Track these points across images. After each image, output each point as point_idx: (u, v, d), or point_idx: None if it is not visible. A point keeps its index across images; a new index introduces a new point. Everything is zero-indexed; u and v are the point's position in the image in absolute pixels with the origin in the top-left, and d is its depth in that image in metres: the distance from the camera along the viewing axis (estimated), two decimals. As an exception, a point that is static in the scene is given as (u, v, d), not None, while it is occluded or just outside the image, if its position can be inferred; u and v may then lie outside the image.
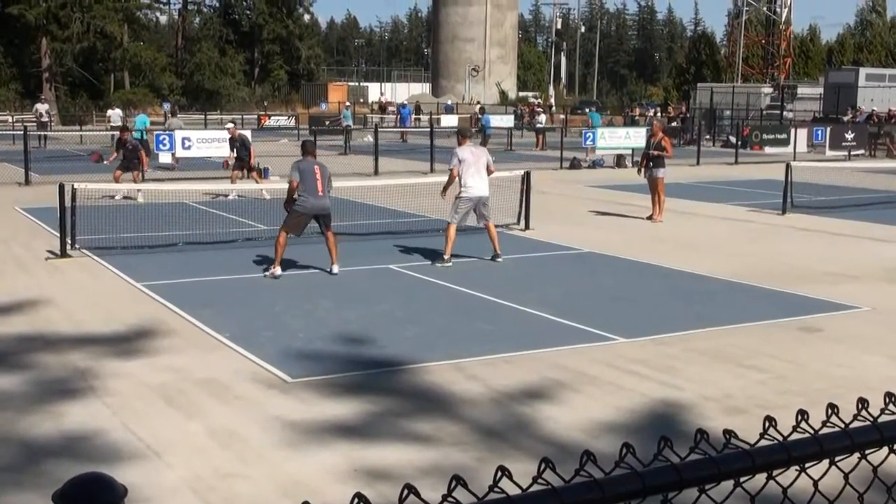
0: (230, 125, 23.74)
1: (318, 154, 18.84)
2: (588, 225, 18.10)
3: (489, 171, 13.82)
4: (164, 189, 20.16)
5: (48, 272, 13.03)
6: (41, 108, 42.90)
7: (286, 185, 13.08)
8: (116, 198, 20.65)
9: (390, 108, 61.22)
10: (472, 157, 13.64)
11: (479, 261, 13.93)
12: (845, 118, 43.22)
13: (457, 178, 13.63)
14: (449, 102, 64.16)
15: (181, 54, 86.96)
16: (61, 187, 13.98)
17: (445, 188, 14.09)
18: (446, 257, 13.56)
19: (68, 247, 13.97)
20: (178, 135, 26.86)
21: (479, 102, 61.73)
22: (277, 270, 12.54)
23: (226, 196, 21.35)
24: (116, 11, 68.67)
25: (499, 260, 13.80)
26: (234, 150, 22.07)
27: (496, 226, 14.41)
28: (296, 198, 12.51)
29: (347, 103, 54.89)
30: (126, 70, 74.84)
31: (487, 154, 14.09)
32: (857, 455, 1.72)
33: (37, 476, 6.04)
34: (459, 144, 13.95)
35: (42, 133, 39.15)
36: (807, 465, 1.66)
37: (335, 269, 12.74)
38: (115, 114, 41.41)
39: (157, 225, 17.01)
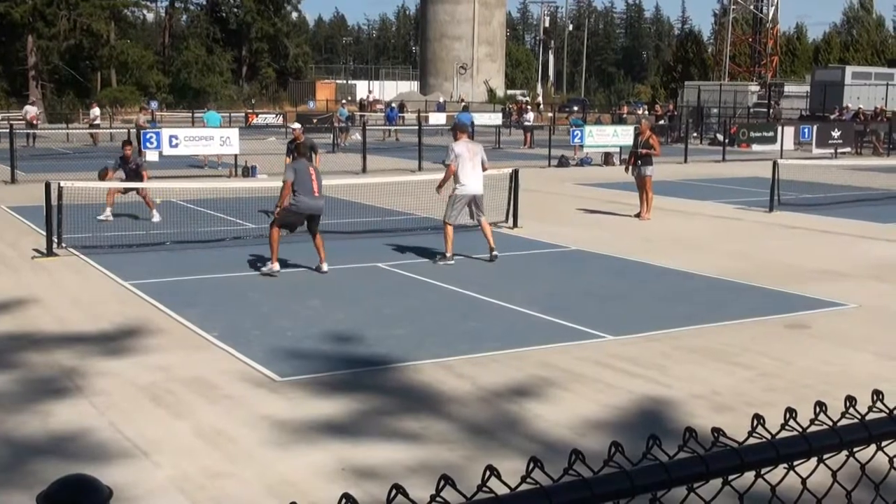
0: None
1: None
2: (576, 223, 18.12)
3: (483, 168, 13.77)
4: (154, 187, 20.07)
5: (34, 271, 12.98)
6: (31, 110, 42.28)
7: (257, 184, 13.01)
8: (102, 217, 17.24)
9: (378, 106, 61.17)
10: (468, 153, 13.50)
11: (468, 259, 13.91)
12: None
13: (453, 175, 13.49)
14: (441, 100, 64.05)
15: (168, 52, 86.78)
16: (47, 186, 13.92)
17: (441, 184, 13.78)
18: (448, 255, 13.46)
19: (55, 246, 13.91)
20: (166, 133, 26.82)
21: (462, 100, 61.72)
22: (276, 266, 12.45)
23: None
24: (103, 9, 68.53)
25: (495, 254, 13.62)
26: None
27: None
28: (291, 199, 12.43)
29: (344, 101, 54.60)
30: (113, 68, 74.64)
31: (483, 150, 13.93)
32: (845, 453, 1.72)
33: (24, 476, 6.01)
34: (456, 140, 13.78)
35: (30, 132, 38.91)
36: (795, 463, 1.66)
37: (325, 267, 12.70)
38: (94, 111, 40.95)
39: (145, 224, 16.96)
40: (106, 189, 17.15)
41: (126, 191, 17.38)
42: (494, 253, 13.66)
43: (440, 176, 14.08)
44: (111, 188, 17.12)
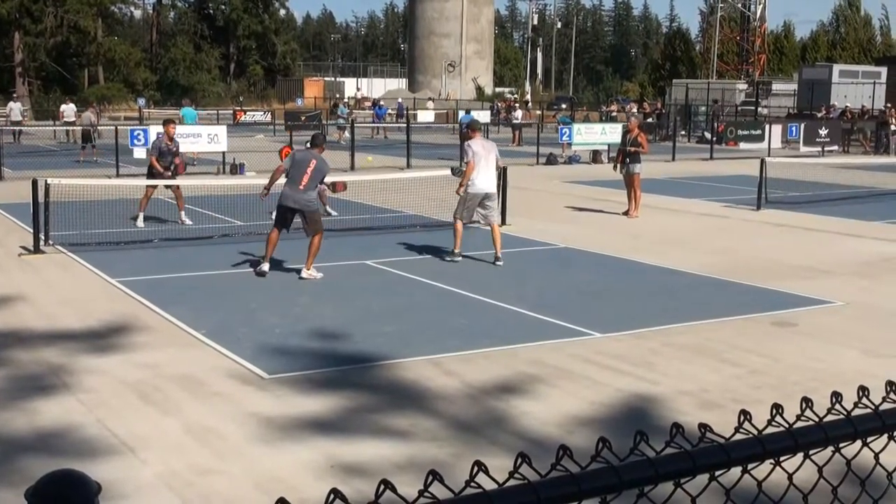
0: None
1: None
2: (564, 220, 18.14)
3: (497, 166, 13.68)
4: (143, 185, 20.01)
5: (21, 269, 12.93)
6: (14, 106, 41.75)
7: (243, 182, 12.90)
8: (139, 223, 16.55)
9: (366, 104, 60.97)
10: (484, 151, 13.39)
11: (457, 256, 13.89)
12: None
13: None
14: (399, 100, 62.76)
15: (156, 49, 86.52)
16: (34, 183, 13.87)
17: (462, 184, 13.39)
18: (456, 251, 13.40)
19: (42, 243, 13.86)
20: (153, 130, 26.73)
21: (448, 98, 61.46)
22: (265, 266, 12.32)
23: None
24: (90, 6, 68.36)
25: (499, 264, 13.19)
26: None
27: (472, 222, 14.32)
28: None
29: (346, 99, 54.10)
30: (100, 65, 74.39)
31: (496, 148, 13.79)
32: (830, 448, 1.73)
33: (11, 473, 5.99)
34: (470, 138, 13.69)
35: (16, 129, 38.62)
36: (781, 459, 1.67)
37: (303, 273, 12.16)
38: (68, 108, 40.09)
39: (132, 221, 16.89)
40: (143, 191, 16.90)
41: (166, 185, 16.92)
42: (500, 263, 13.22)
43: (428, 173, 14.10)
44: (147, 191, 16.79)
